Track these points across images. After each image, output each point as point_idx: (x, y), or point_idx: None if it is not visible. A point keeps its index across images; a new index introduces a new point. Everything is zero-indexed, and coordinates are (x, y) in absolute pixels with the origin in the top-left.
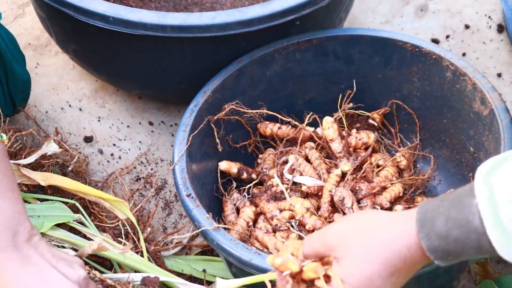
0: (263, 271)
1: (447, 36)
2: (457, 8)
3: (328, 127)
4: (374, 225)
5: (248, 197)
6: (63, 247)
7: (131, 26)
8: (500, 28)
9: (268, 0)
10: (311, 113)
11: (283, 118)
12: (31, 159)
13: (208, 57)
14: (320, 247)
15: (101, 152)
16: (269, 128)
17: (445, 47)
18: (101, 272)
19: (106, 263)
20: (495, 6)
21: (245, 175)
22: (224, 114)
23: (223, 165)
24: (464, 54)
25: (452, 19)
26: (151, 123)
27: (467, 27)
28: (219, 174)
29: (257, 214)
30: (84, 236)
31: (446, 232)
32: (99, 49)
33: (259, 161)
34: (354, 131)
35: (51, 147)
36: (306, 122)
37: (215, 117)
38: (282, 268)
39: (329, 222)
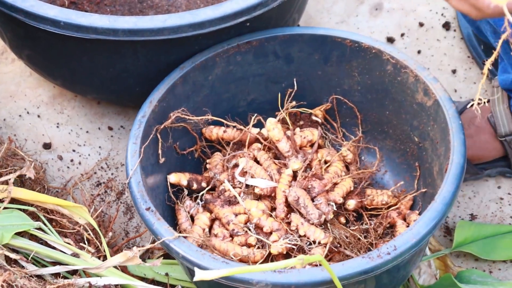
0: (232, 280)
1: (402, 34)
2: (411, 7)
3: (273, 128)
4: None
5: (201, 204)
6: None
7: (83, 30)
8: (447, 26)
9: (220, 2)
10: (255, 114)
11: (228, 123)
12: (7, 177)
13: (162, 60)
14: None
15: (60, 158)
16: (214, 132)
17: (400, 45)
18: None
19: None
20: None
21: (195, 186)
22: (170, 123)
23: (173, 178)
24: (419, 52)
25: (406, 18)
26: (110, 128)
27: (421, 25)
28: (169, 185)
29: (212, 220)
30: (46, 243)
31: None
32: (52, 54)
33: (207, 166)
34: (298, 129)
35: (30, 173)
36: (251, 124)
37: (162, 126)
38: None
39: (287, 223)
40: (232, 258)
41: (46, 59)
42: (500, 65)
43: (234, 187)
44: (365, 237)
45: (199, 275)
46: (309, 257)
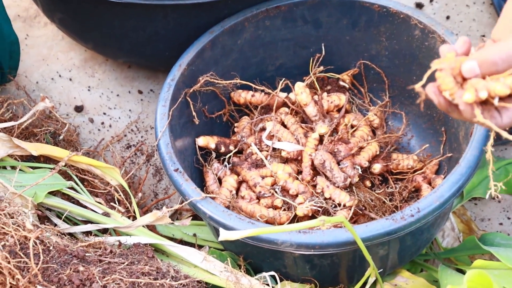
0: (258, 240)
1: (431, 0)
2: None
3: (301, 92)
4: None
5: (228, 166)
6: (59, 213)
7: None
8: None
9: None
10: (283, 79)
11: (256, 87)
12: (24, 118)
13: (192, 24)
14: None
15: (91, 121)
16: (242, 96)
17: (429, 10)
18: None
19: None
20: None
21: (223, 149)
22: (199, 86)
23: (201, 141)
24: (448, 17)
25: None
26: (140, 92)
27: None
28: (197, 147)
29: (239, 183)
30: (77, 203)
31: None
32: (83, 17)
33: (235, 129)
34: (325, 94)
35: (41, 105)
36: (279, 88)
37: (191, 90)
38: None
39: (312, 185)
40: (258, 219)
41: (77, 23)
42: None
43: (261, 151)
44: (390, 200)
45: (224, 235)
46: (331, 218)
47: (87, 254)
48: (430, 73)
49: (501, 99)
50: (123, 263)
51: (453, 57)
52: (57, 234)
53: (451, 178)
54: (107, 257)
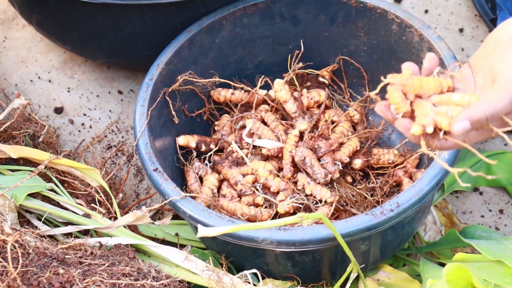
0: (238, 238)
1: None
2: None
3: (280, 89)
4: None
5: (209, 165)
6: (39, 216)
7: None
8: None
9: None
10: (262, 76)
11: (235, 85)
12: (0, 117)
13: (169, 23)
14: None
15: (71, 122)
16: (222, 94)
17: (407, 4)
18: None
19: None
20: None
21: (204, 148)
22: (178, 85)
23: (181, 140)
24: (426, 11)
25: None
26: (120, 92)
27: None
28: (178, 147)
29: (221, 181)
30: (58, 205)
31: None
32: (61, 18)
33: (216, 128)
34: (305, 90)
35: (17, 102)
36: (258, 85)
37: (170, 89)
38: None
39: (293, 182)
40: (239, 217)
41: (55, 24)
42: (499, 16)
43: (241, 148)
44: (371, 195)
45: (202, 232)
46: (309, 214)
47: (67, 256)
48: (382, 85)
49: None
50: (104, 264)
51: (408, 75)
52: (37, 237)
53: (430, 172)
54: (87, 259)
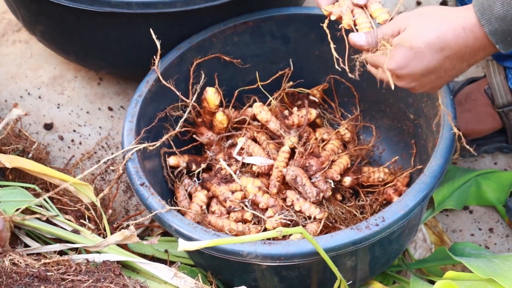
0: (223, 252)
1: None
2: None
3: (260, 111)
4: (436, 9)
5: (199, 183)
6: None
7: (97, 3)
8: (444, 3)
9: None
10: (251, 96)
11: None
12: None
13: (174, 33)
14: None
15: (61, 138)
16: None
17: None
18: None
19: None
20: None
21: (194, 167)
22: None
23: (172, 161)
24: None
25: None
26: (110, 108)
27: (418, 3)
28: (168, 166)
29: (210, 198)
30: (47, 220)
31: (504, 13)
32: (65, 28)
33: (206, 146)
34: (295, 109)
35: (14, 113)
36: (247, 105)
37: (163, 113)
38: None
39: (282, 199)
40: (227, 233)
41: (59, 35)
42: None
43: (230, 166)
44: (361, 213)
45: (183, 245)
46: (288, 229)
47: (49, 274)
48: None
49: None
50: (88, 280)
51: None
52: (22, 255)
53: (416, 187)
54: (70, 275)
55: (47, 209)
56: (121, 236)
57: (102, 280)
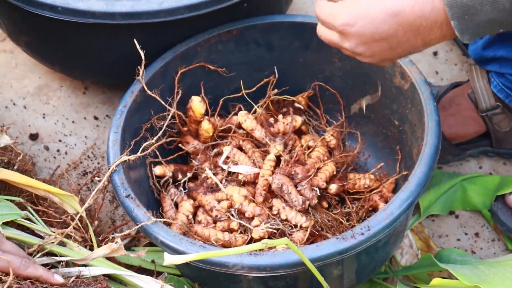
0: (209, 264)
1: None
2: None
3: (245, 119)
4: None
5: (185, 192)
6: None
7: (80, 15)
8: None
9: None
10: (236, 104)
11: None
12: None
13: (159, 43)
14: None
15: (47, 148)
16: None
17: None
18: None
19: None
20: None
21: (180, 177)
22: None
23: (158, 170)
24: None
25: None
26: (96, 118)
27: None
28: (154, 175)
29: (196, 207)
30: (33, 233)
31: None
32: (50, 39)
33: (191, 155)
34: (280, 116)
35: (3, 139)
36: (232, 113)
37: (148, 124)
38: None
39: (268, 207)
40: (213, 243)
41: (44, 45)
42: None
43: (216, 175)
44: (347, 220)
45: (169, 259)
46: (273, 241)
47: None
48: None
49: None
50: None
51: None
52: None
53: (401, 195)
54: None
55: (33, 222)
56: (108, 249)
57: None
